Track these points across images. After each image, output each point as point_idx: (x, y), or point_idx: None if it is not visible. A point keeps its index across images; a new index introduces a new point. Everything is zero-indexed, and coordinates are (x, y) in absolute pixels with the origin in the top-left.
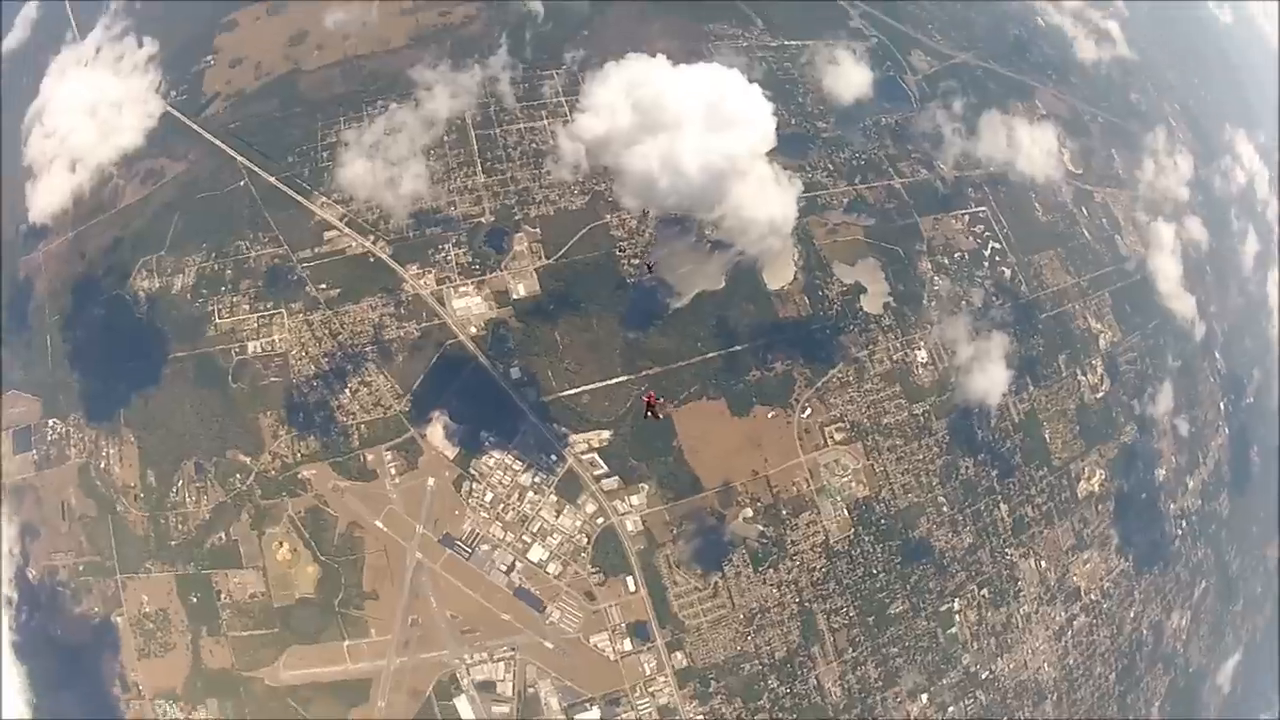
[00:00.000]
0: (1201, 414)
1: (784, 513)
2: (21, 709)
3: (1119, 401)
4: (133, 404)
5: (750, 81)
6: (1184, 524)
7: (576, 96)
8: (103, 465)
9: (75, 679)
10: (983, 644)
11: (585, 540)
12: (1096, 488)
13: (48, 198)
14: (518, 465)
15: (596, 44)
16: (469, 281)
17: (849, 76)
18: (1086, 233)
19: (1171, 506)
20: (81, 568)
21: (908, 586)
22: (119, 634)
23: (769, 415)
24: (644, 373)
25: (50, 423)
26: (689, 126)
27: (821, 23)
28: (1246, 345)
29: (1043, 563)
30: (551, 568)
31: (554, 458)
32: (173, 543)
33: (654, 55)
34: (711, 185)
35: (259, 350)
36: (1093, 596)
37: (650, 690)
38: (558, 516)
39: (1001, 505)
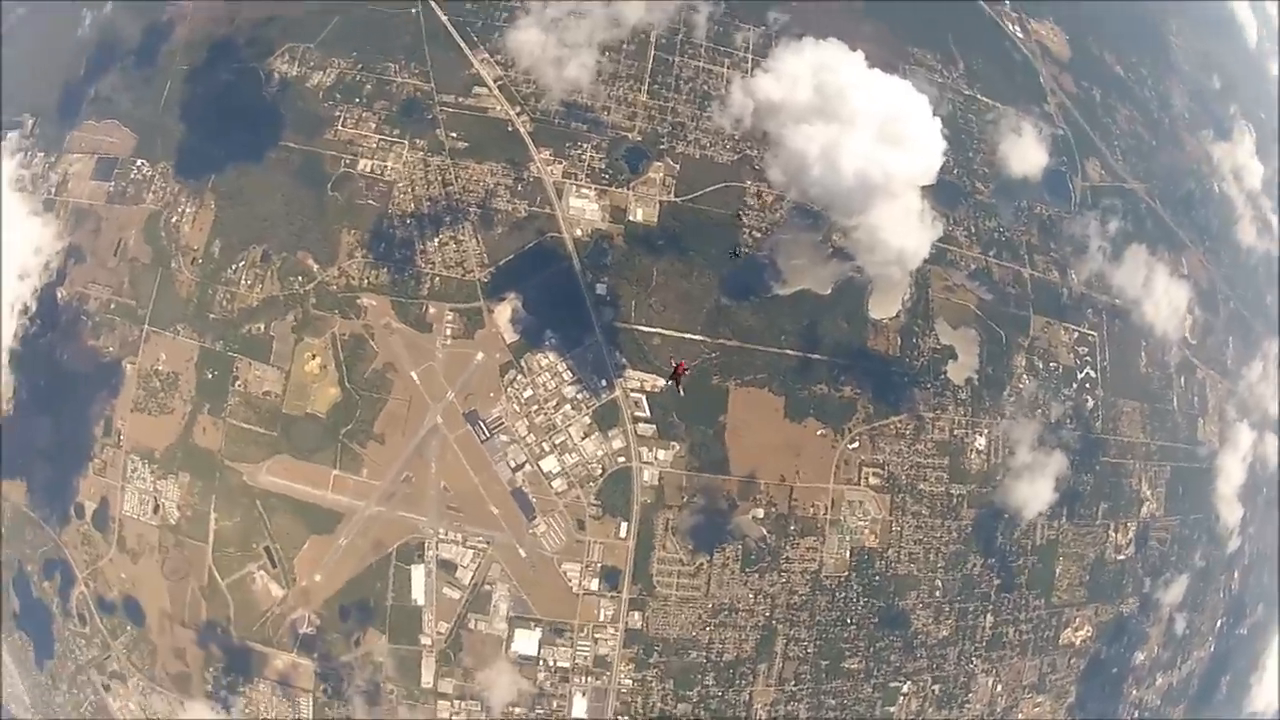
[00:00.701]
0: (1200, 621)
1: (792, 528)
2: None
3: (1134, 572)
4: (226, 173)
5: (934, 114)
6: (1135, 714)
7: (765, 57)
8: (174, 220)
9: (62, 402)
10: None
11: (600, 471)
12: (1078, 641)
13: None
14: (567, 375)
15: (802, 16)
16: (593, 186)
17: (1025, 152)
18: (1176, 402)
19: (1134, 692)
20: (113, 305)
21: (871, 649)
22: (123, 380)
23: (818, 432)
24: (721, 340)
25: (139, 162)
26: (861, 128)
27: (1019, 93)
28: (1263, 580)
29: (999, 686)
30: (557, 483)
31: (604, 383)
32: (211, 315)
33: (854, 49)
34: (859, 193)
35: (368, 170)
36: None
37: (595, 635)
38: (583, 438)
39: (989, 615)
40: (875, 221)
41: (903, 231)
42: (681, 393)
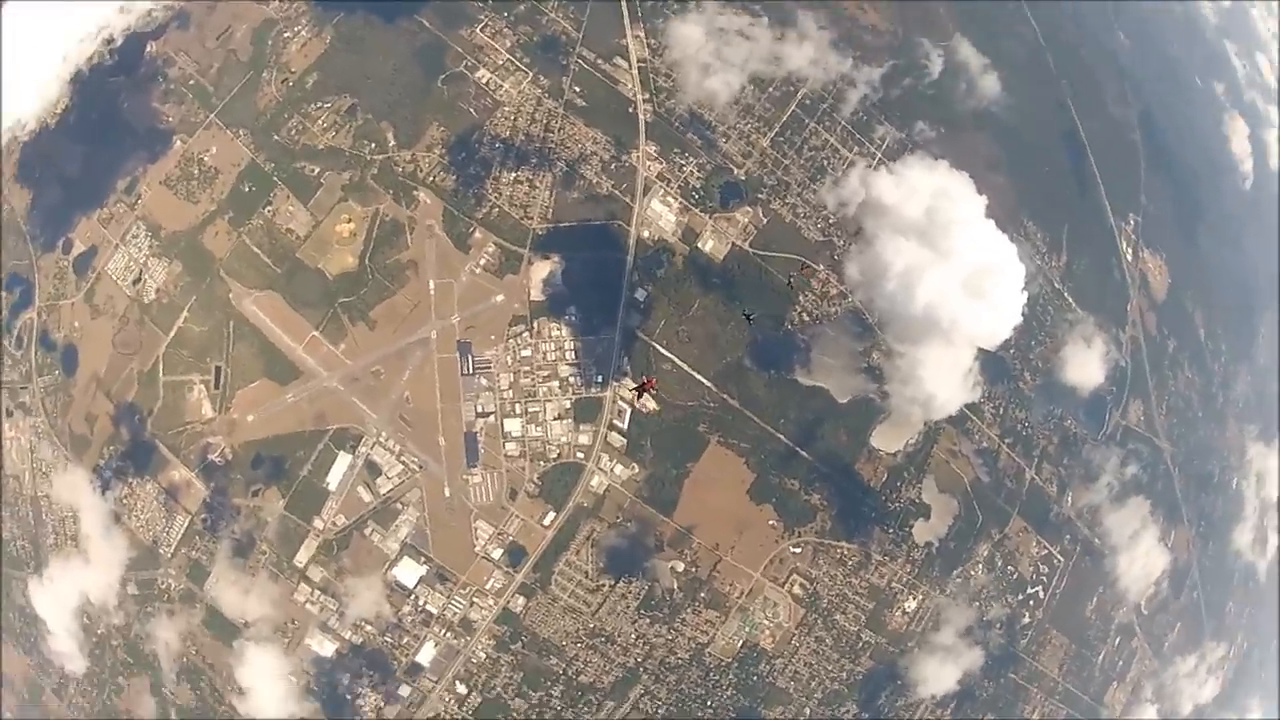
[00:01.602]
0: None
1: (702, 594)
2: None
3: None
4: (355, 17)
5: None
6: None
7: (894, 161)
8: (285, 36)
9: (103, 142)
10: None
11: (555, 455)
12: None
13: None
14: (570, 355)
15: (945, 141)
16: (680, 199)
17: (1085, 364)
18: (1101, 658)
19: None
20: (192, 82)
21: None
22: (167, 152)
23: (770, 521)
24: (725, 395)
25: None
26: (952, 267)
27: (1103, 309)
28: None
29: None
30: (510, 446)
31: (600, 379)
32: (276, 137)
33: (980, 193)
34: (921, 325)
35: (483, 80)
36: None
37: (474, 600)
38: (556, 419)
39: None
40: (921, 358)
41: (942, 381)
42: (639, 406)
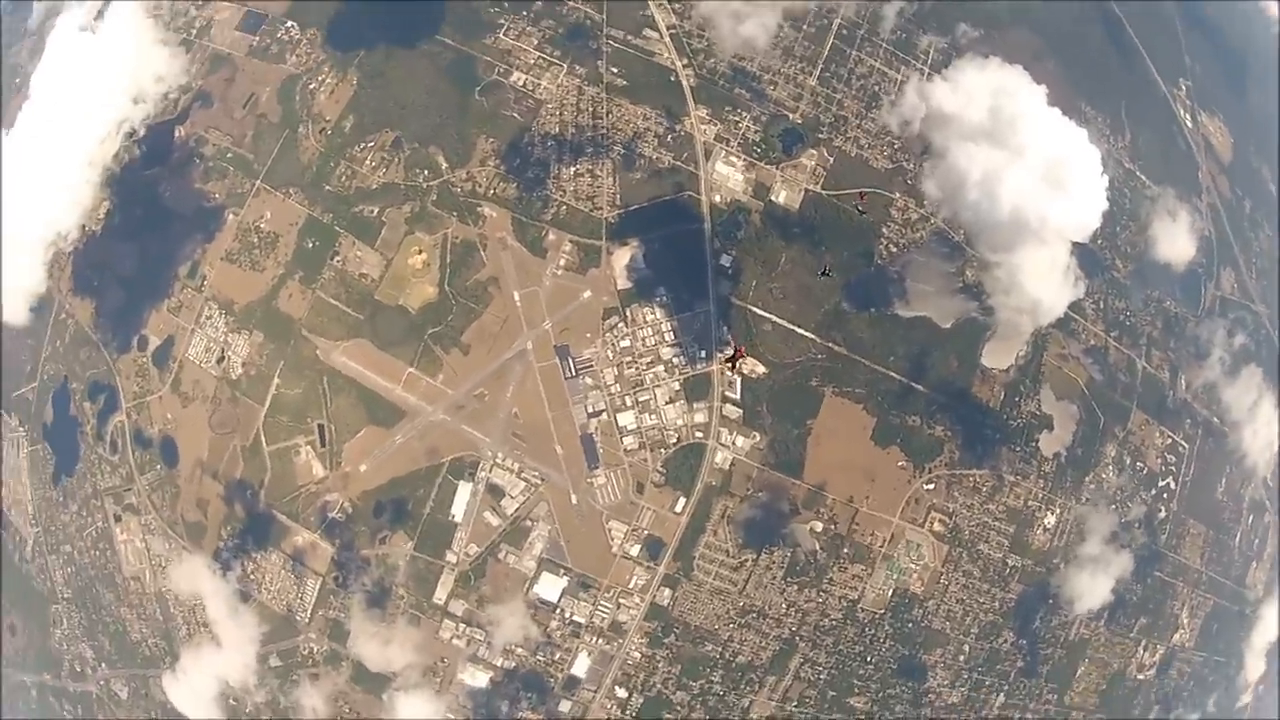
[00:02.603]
0: None
1: (845, 551)
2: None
3: (1147, 696)
4: (376, 51)
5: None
6: None
7: (946, 68)
8: (312, 87)
9: (154, 235)
10: None
11: (675, 440)
12: None
13: None
14: (669, 336)
15: (990, 38)
16: (743, 157)
17: (1176, 238)
18: (1239, 539)
19: None
20: (230, 155)
21: (881, 694)
22: (221, 228)
23: (899, 463)
24: (830, 344)
25: (289, 24)
26: (1028, 163)
27: (1176, 181)
28: None
29: None
30: (629, 440)
31: (704, 354)
32: (327, 187)
33: (1039, 83)
34: (1011, 229)
35: (520, 83)
36: None
37: (620, 600)
38: (668, 403)
39: (1001, 695)
40: (1018, 264)
41: (1043, 282)
42: (735, 376)
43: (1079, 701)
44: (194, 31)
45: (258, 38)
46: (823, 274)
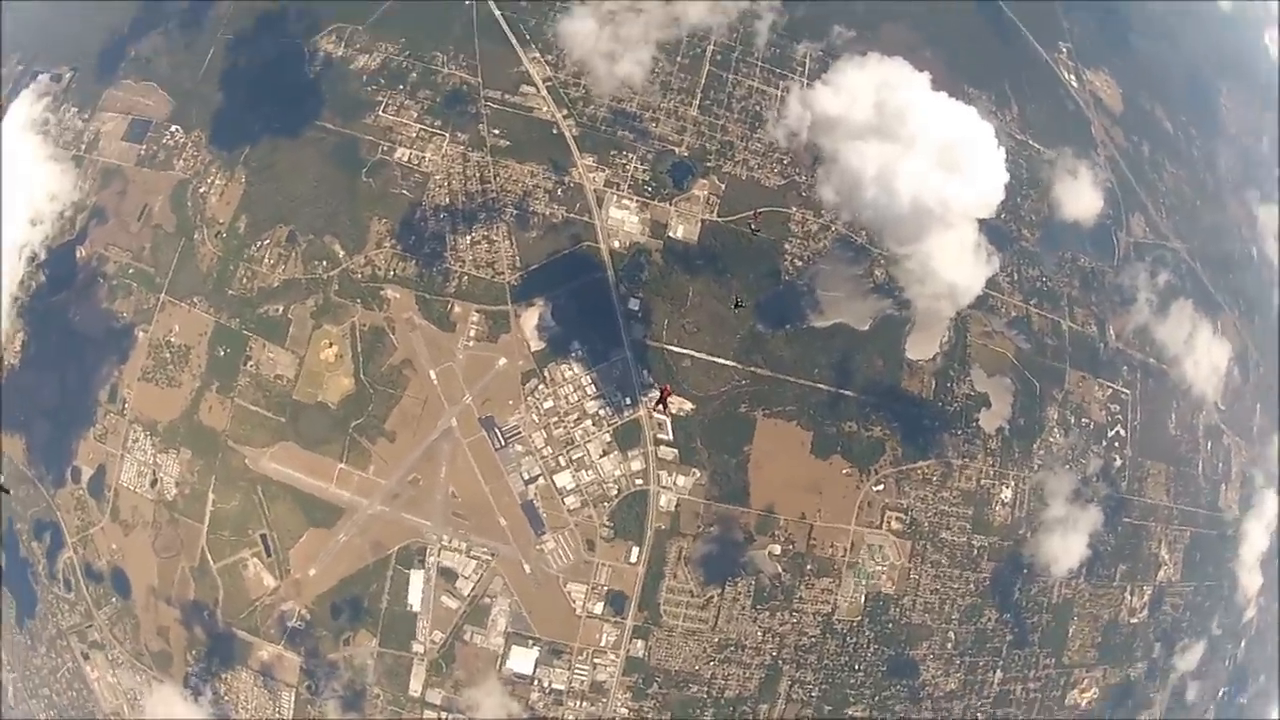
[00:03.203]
0: (1206, 689)
1: (808, 567)
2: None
3: (1145, 637)
4: (260, 145)
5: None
6: None
7: (825, 73)
8: (202, 190)
9: (70, 362)
10: None
11: (616, 492)
12: (1084, 704)
13: None
14: (591, 389)
15: (866, 37)
16: (635, 198)
17: (1080, 194)
18: (1201, 467)
19: None
20: (131, 270)
21: (876, 698)
22: (134, 347)
23: (844, 471)
24: (753, 368)
25: (173, 129)
26: (920, 152)
27: (1070, 143)
28: (1267, 650)
29: None
30: (570, 500)
31: (629, 401)
32: (230, 291)
33: (920, 70)
34: (914, 220)
35: (405, 159)
36: None
37: (595, 660)
38: (602, 456)
39: (998, 671)
40: (928, 251)
41: (956, 265)
42: (668, 415)
43: (1078, 659)
44: (83, 146)
45: (144, 146)
46: (736, 306)
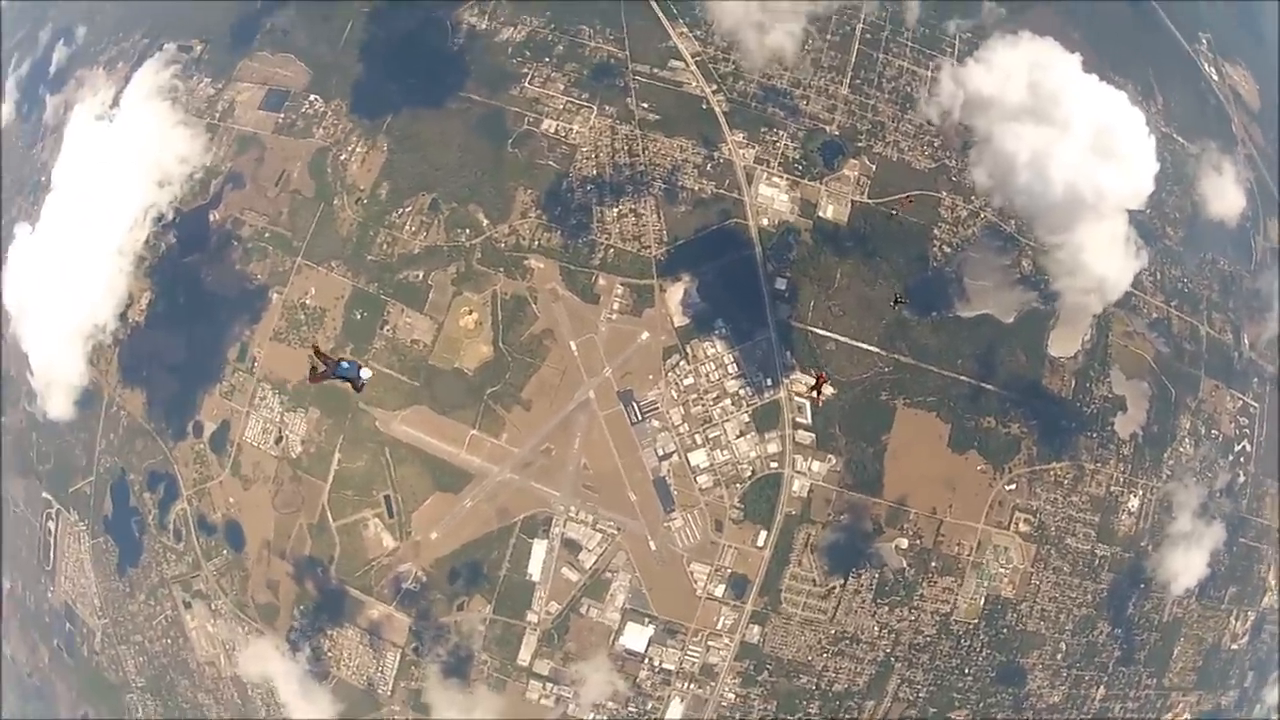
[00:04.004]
0: None
1: (933, 564)
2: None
3: (1241, 664)
4: (402, 114)
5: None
6: None
7: (976, 50)
8: (342, 158)
9: (199, 321)
10: None
11: (750, 473)
12: None
13: None
14: (732, 368)
15: (1016, 17)
16: (785, 176)
17: (1225, 191)
18: None
19: None
20: (268, 234)
21: (981, 704)
22: (267, 308)
23: (979, 467)
24: (896, 355)
25: (312, 98)
26: (1074, 137)
27: (1212, 138)
28: None
29: None
30: (703, 479)
31: (770, 382)
32: (369, 257)
33: (1071, 53)
34: (1067, 208)
35: (551, 130)
36: None
37: (709, 643)
38: (739, 437)
39: (1101, 688)
40: (1079, 243)
41: (1107, 257)
42: (820, 403)
43: (1177, 682)
44: (217, 115)
45: (282, 115)
46: (895, 304)
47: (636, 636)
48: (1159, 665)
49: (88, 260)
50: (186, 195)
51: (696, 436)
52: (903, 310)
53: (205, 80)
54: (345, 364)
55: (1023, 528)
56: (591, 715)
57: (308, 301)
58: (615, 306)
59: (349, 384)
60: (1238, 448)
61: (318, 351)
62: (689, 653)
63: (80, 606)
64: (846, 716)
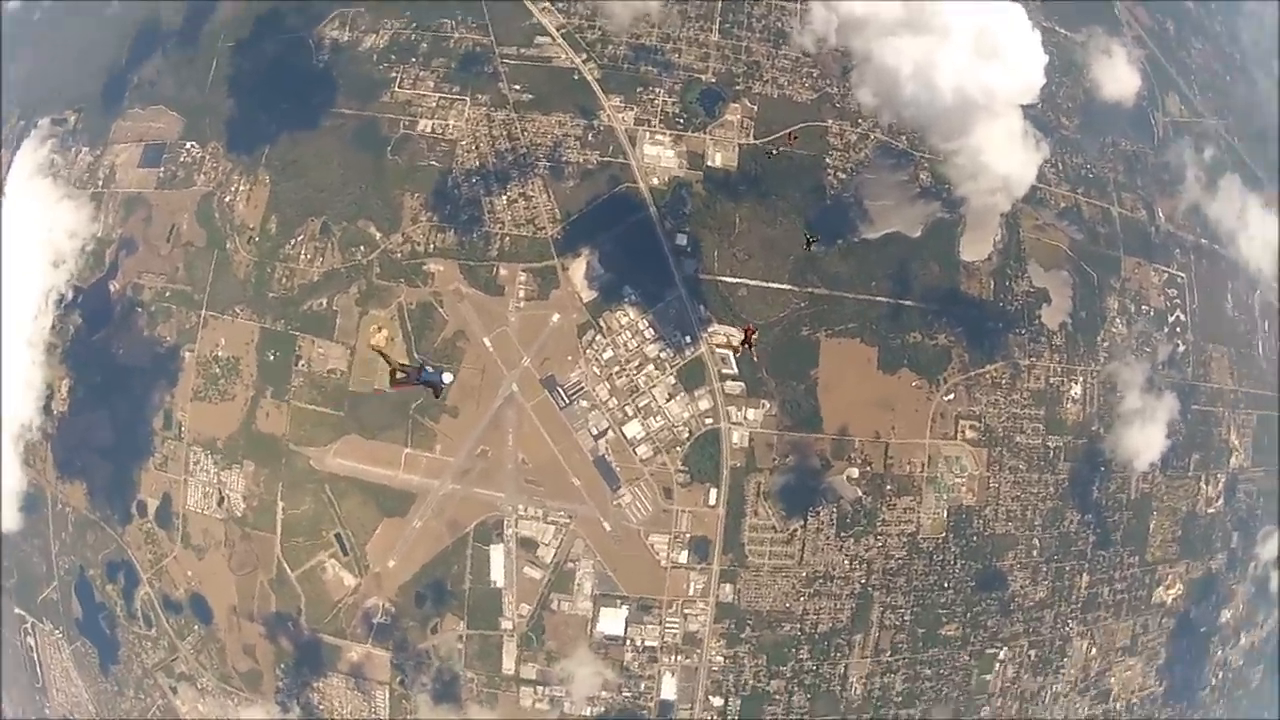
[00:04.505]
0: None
1: (888, 488)
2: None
3: (1223, 527)
4: (279, 143)
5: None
6: (1219, 675)
7: None
8: (228, 200)
9: (120, 397)
10: (1007, 704)
11: (687, 435)
12: (1169, 600)
13: None
14: (649, 332)
15: None
16: (668, 132)
17: (1118, 72)
18: (1260, 348)
19: (1219, 653)
20: (168, 293)
21: (968, 614)
22: (182, 369)
23: (913, 384)
24: (810, 289)
25: (188, 145)
26: (956, 41)
27: (1096, 25)
28: None
29: (1093, 650)
30: (642, 450)
31: (688, 339)
32: (271, 294)
33: None
34: (959, 113)
35: (428, 130)
36: (1118, 706)
37: (685, 611)
38: (668, 400)
39: (1084, 575)
40: (977, 145)
41: (1007, 155)
42: (755, 357)
43: (1160, 555)
44: (100, 182)
45: (162, 168)
46: (808, 244)
47: (613, 621)
48: (1138, 542)
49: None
50: (83, 270)
51: (627, 408)
52: (816, 244)
53: (83, 149)
54: (429, 370)
55: (970, 434)
56: (588, 710)
57: (220, 353)
58: (521, 294)
59: (431, 389)
60: (1171, 319)
61: (384, 355)
62: (668, 625)
63: (78, 714)
64: (838, 655)
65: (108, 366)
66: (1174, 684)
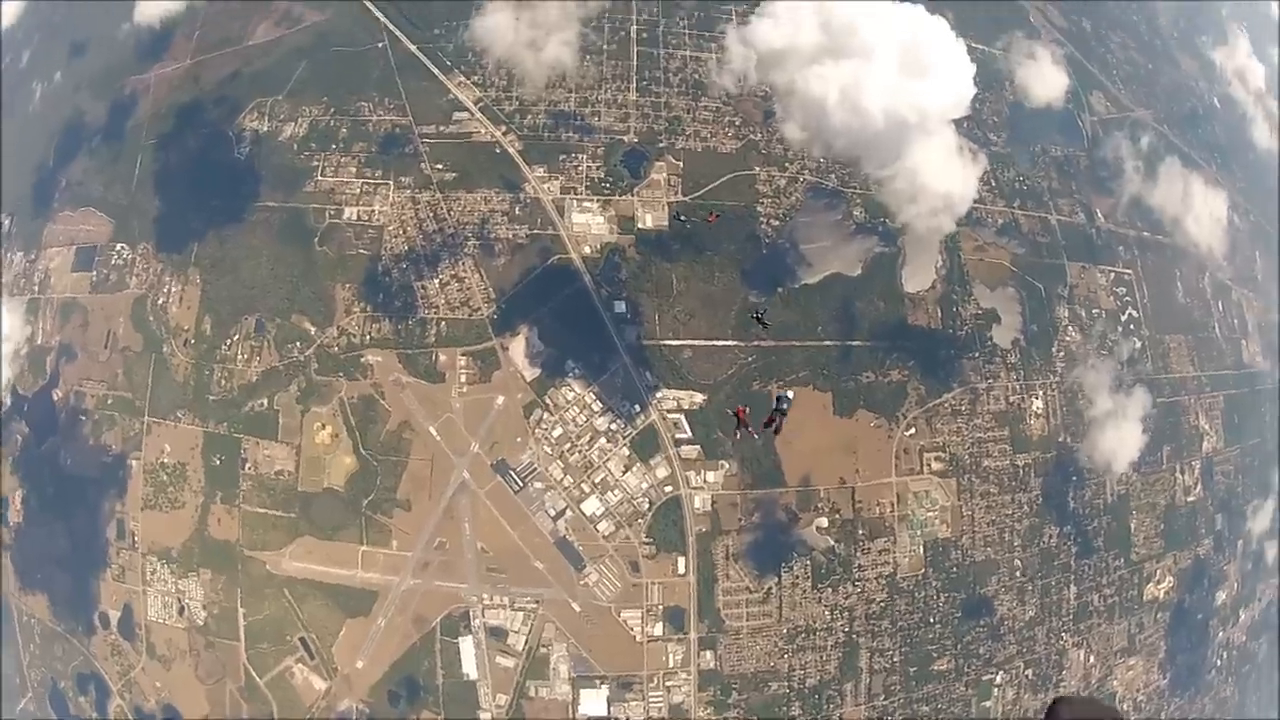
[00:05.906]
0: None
1: (860, 532)
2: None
3: (1205, 511)
4: (207, 240)
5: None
6: (1223, 655)
7: (756, 8)
8: (161, 302)
9: (72, 508)
10: None
11: (647, 506)
12: (1161, 594)
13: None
14: (596, 406)
15: None
16: (595, 198)
17: (1044, 74)
18: (1218, 329)
19: (1220, 634)
20: (110, 400)
21: (958, 645)
22: (130, 477)
23: (872, 423)
24: (755, 341)
25: (118, 247)
26: (880, 61)
27: (1014, 32)
28: None
29: (1091, 658)
30: (603, 526)
31: (637, 408)
32: (211, 398)
33: None
34: (891, 136)
35: (354, 218)
36: (1125, 705)
37: (667, 684)
38: (624, 472)
39: (1072, 586)
40: (914, 166)
41: (945, 173)
42: (757, 437)
43: (1146, 552)
44: (35, 288)
45: (95, 272)
46: (757, 318)
47: (594, 701)
48: (1121, 544)
49: None
50: (23, 376)
51: (583, 485)
52: (764, 321)
53: (18, 254)
54: (779, 396)
55: (936, 466)
56: None
57: (165, 460)
58: (463, 379)
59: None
60: (1124, 316)
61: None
62: (651, 700)
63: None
64: (830, 706)
65: (58, 476)
66: (1178, 674)
